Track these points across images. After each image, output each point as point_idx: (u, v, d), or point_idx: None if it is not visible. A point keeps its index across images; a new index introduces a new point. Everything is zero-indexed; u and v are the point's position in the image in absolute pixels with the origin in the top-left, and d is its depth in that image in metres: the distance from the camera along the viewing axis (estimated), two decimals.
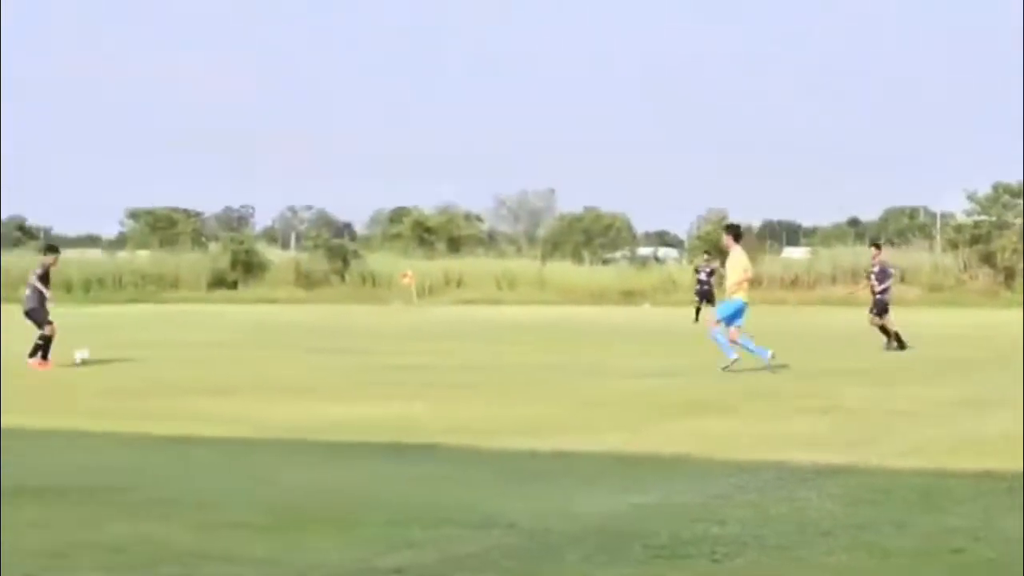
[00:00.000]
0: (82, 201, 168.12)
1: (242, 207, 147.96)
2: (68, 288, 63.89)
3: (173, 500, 9.10)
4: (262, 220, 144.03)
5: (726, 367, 19.72)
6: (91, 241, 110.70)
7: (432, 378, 19.34)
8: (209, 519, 8.42)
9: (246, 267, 64.65)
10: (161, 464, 10.87)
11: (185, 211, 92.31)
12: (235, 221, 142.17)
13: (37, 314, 22.73)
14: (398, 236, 78.70)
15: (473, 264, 65.82)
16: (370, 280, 63.53)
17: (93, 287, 63.72)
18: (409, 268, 61.17)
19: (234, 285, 63.29)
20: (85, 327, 35.90)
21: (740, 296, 20.31)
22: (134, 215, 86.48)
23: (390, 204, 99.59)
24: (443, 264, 65.76)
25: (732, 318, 20.34)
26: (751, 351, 20.11)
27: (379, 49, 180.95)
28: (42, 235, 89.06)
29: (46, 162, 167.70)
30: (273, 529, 8.14)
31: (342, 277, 63.61)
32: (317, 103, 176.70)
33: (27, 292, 23.18)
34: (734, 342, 20.18)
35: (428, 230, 77.61)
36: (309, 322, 39.17)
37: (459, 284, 62.85)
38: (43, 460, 11.10)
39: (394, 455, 11.42)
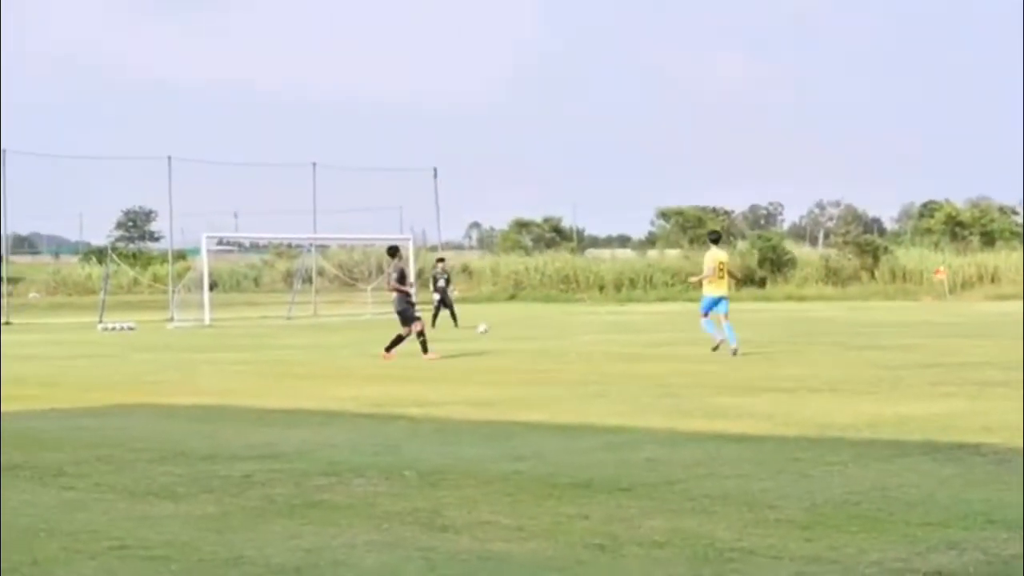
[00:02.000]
0: (614, 202, 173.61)
1: (770, 204, 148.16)
2: (600, 287, 66.10)
3: (711, 496, 9.17)
4: (790, 217, 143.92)
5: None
6: (622, 241, 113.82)
7: (967, 375, 18.68)
8: (751, 516, 8.42)
9: (774, 264, 64.74)
10: (694, 460, 11.00)
11: (714, 210, 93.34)
12: (763, 218, 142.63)
13: (406, 313, 24.77)
14: (929, 231, 76.53)
15: (1008, 259, 63.10)
16: (900, 276, 62.13)
17: (624, 286, 65.50)
18: (941, 263, 59.43)
19: (762, 283, 63.49)
20: (614, 324, 36.99)
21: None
22: (664, 215, 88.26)
23: (920, 198, 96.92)
24: (976, 259, 63.45)
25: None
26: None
27: (906, 45, 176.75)
28: (575, 235, 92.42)
29: (583, 165, 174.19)
30: (813, 526, 8.06)
31: (871, 273, 62.54)
32: (845, 101, 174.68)
33: (394, 296, 25.25)
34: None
35: (960, 224, 75.06)
36: (839, 319, 38.71)
37: (993, 279, 60.48)
38: (576, 456, 11.46)
39: (930, 454, 11.09)
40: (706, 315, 24.21)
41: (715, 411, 14.68)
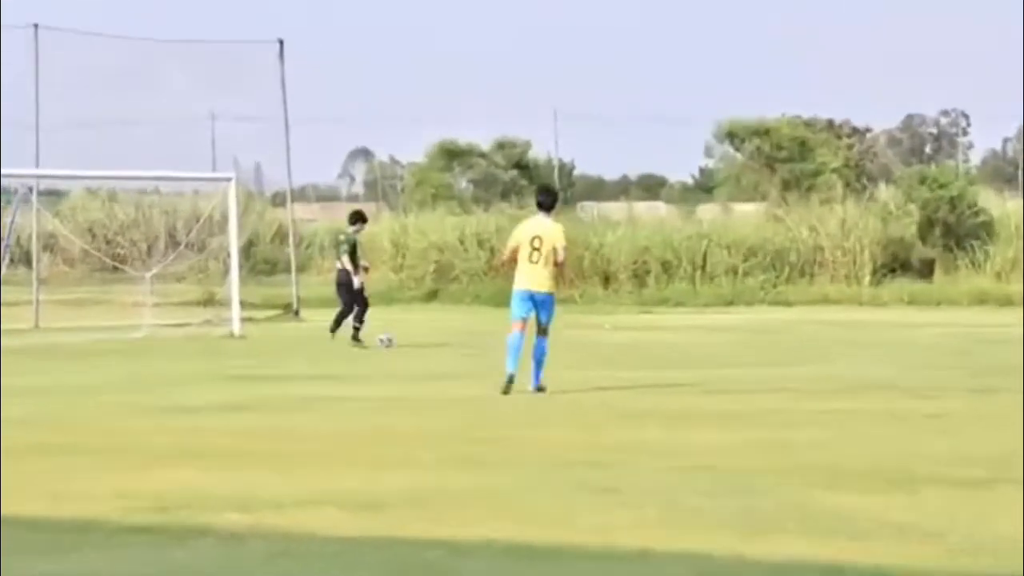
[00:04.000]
0: (633, 111, 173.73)
1: (943, 115, 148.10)
2: (606, 277, 66.28)
3: None
4: (984, 141, 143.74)
5: None
6: (647, 187, 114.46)
7: None
8: None
9: (950, 233, 64.41)
10: None
11: (832, 125, 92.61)
12: (930, 143, 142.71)
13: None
14: None
15: None
16: None
17: (652, 275, 65.40)
18: None
19: (926, 269, 63.26)
20: (631, 350, 37.31)
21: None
22: (731, 136, 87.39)
23: None
24: None
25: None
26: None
27: None
28: (556, 176, 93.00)
29: (572, 44, 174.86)
30: None
31: None
32: None
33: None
34: None
35: None
36: None
37: None
38: None
39: None
40: (523, 326, 26.28)
41: (825, 519, 14.95)
